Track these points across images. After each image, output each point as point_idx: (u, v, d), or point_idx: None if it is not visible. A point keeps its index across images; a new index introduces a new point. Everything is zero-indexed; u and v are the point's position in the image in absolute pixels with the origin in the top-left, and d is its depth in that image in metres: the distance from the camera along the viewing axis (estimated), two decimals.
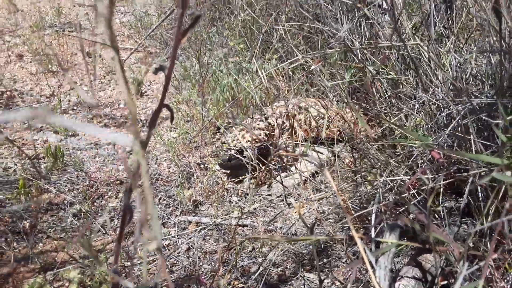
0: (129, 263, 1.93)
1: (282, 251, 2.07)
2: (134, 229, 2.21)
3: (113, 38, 0.49)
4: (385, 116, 2.01)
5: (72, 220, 2.22)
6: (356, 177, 1.74)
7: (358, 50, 1.95)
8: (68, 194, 2.45)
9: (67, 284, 1.71)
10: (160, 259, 0.47)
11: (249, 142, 2.74)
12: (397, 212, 1.12)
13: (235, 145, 2.70)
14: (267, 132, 2.87)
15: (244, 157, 2.67)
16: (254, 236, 1.91)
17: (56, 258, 1.95)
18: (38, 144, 3.13)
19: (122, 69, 0.57)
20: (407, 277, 1.16)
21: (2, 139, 2.46)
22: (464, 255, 0.90)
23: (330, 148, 2.37)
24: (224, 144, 2.75)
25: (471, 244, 1.22)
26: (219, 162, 2.70)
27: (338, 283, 1.80)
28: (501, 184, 1.12)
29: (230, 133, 2.84)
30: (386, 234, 1.04)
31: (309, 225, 1.32)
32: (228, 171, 2.79)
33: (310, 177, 2.55)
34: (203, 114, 3.09)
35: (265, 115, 2.97)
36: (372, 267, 0.92)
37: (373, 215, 1.14)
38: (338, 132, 2.71)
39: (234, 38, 3.71)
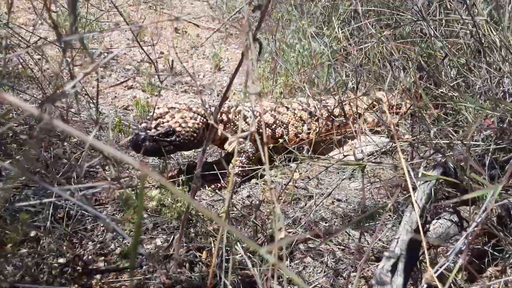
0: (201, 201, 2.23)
1: (332, 212, 2.25)
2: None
3: None
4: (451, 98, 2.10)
5: (154, 158, 2.58)
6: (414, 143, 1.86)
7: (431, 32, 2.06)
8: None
9: (147, 202, 2.04)
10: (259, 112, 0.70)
11: (183, 126, 2.17)
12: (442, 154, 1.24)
13: (160, 123, 2.14)
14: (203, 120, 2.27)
15: (172, 142, 2.15)
16: (306, 157, 2.06)
17: (138, 184, 2.30)
18: (128, 99, 3.58)
19: None
20: (445, 218, 1.30)
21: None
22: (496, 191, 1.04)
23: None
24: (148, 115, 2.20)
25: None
26: (129, 140, 2.14)
27: (380, 242, 1.95)
28: None
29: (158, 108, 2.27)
30: (429, 171, 1.19)
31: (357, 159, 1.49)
32: (140, 155, 2.26)
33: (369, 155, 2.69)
34: (272, 89, 3.34)
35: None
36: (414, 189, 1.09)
37: (423, 164, 1.28)
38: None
39: (312, 24, 3.91)
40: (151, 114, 2.24)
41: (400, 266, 0.96)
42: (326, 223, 2.16)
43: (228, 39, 5.38)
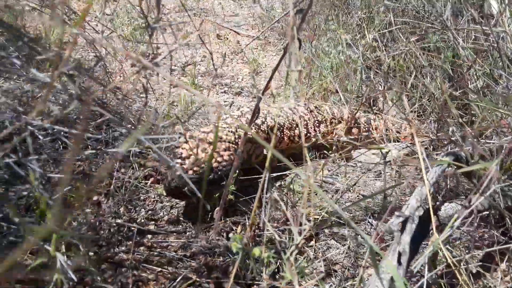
0: None
1: (356, 206, 2.43)
2: None
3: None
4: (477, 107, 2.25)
5: None
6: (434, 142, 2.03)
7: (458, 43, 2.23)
8: (194, 130, 3.10)
9: None
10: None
11: (219, 160, 1.95)
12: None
13: (194, 161, 1.86)
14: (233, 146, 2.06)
15: (210, 181, 1.89)
16: (335, 142, 2.22)
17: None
18: (173, 95, 3.90)
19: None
20: (456, 203, 1.46)
21: None
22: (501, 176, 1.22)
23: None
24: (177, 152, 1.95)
25: None
26: (165, 188, 1.85)
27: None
28: None
29: (185, 138, 1.75)
30: (443, 157, 1.37)
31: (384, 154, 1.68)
32: (180, 200, 2.02)
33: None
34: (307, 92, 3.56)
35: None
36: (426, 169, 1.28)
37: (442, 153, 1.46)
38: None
39: (347, 34, 4.12)
40: (180, 148, 1.99)
41: (409, 227, 1.15)
42: (350, 213, 2.34)
43: (266, 47, 5.65)
